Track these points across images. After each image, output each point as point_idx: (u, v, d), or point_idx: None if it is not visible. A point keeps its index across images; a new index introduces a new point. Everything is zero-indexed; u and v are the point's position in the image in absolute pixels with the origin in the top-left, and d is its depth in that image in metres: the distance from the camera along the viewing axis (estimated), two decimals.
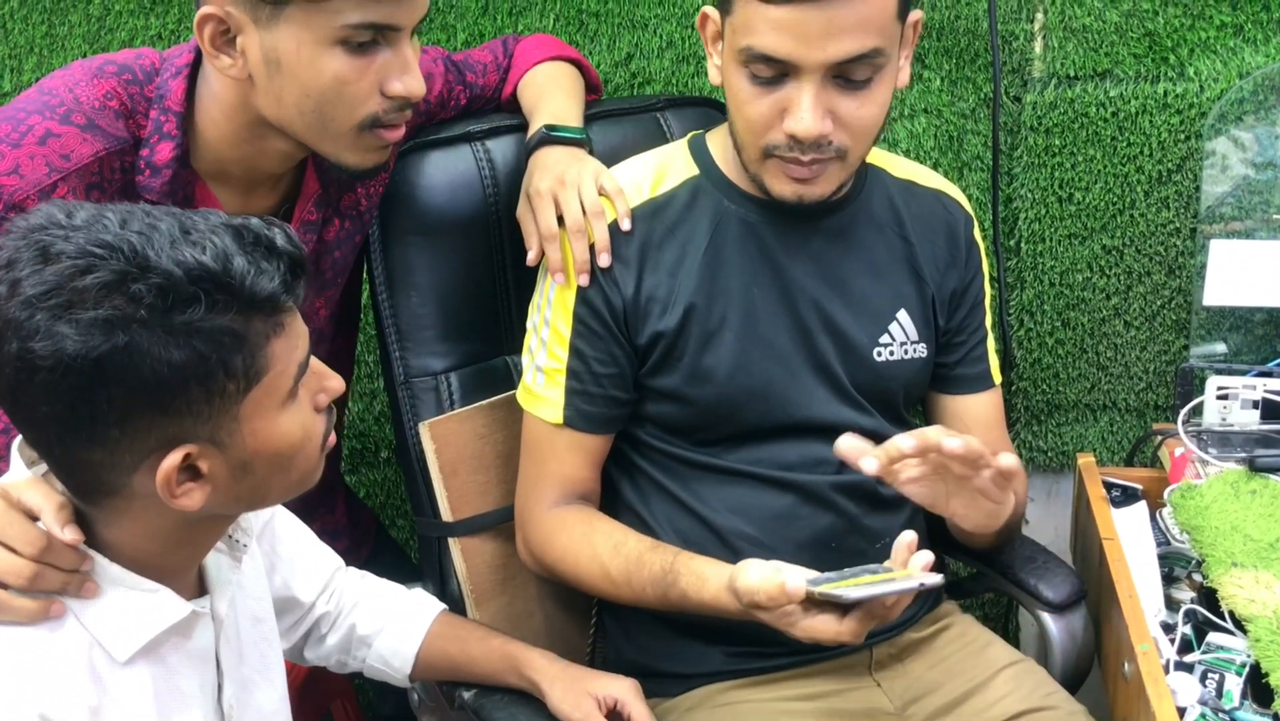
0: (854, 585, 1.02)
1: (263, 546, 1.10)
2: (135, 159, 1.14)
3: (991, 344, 1.36)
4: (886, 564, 1.09)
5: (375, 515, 1.70)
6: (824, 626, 1.04)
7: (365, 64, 1.10)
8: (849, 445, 1.08)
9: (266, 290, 0.84)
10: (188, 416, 0.83)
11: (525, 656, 1.20)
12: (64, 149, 1.10)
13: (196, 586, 0.98)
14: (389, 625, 1.21)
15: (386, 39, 1.11)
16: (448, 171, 1.36)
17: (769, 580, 1.05)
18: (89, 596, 0.88)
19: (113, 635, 0.88)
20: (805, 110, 1.10)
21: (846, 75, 1.10)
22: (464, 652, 1.21)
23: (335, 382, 0.95)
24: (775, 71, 1.11)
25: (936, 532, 1.38)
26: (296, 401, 0.90)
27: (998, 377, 1.36)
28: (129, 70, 1.15)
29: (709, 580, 1.13)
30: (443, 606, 1.25)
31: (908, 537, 1.07)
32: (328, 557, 1.21)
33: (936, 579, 1.03)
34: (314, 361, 0.94)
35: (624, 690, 1.18)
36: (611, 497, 1.31)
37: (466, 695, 1.20)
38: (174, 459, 0.84)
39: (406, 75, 1.13)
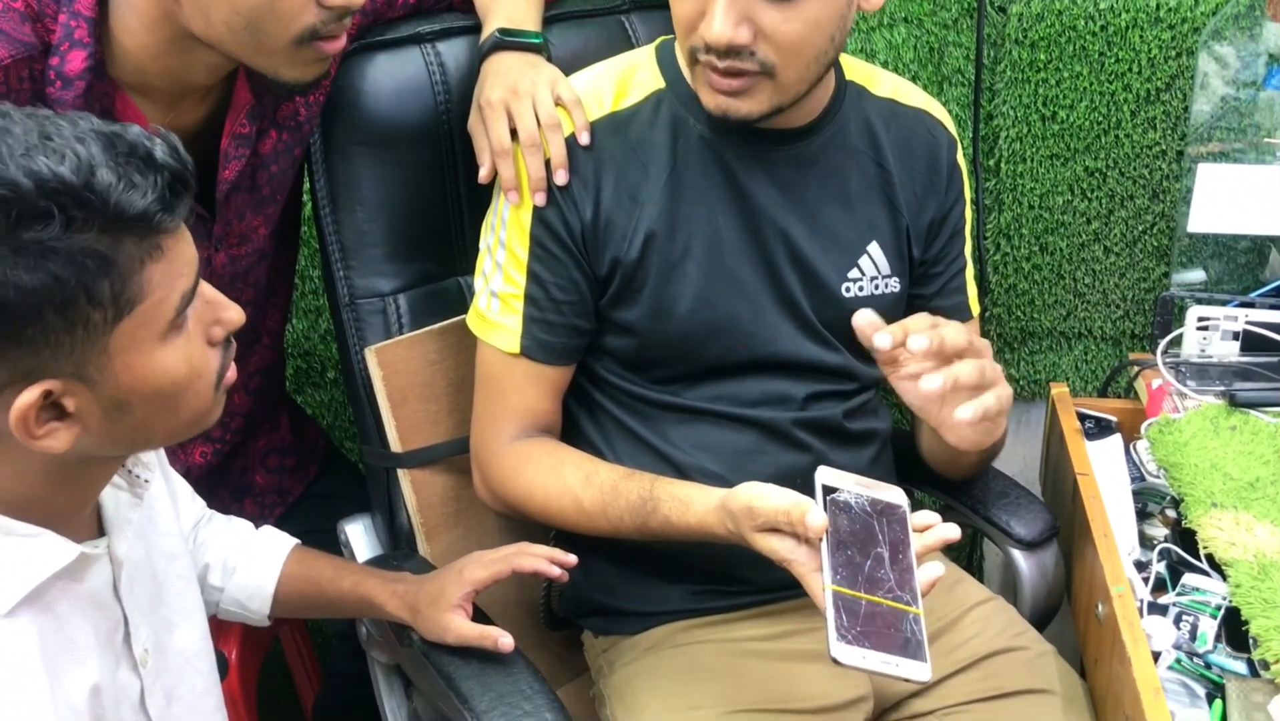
0: (872, 602, 0.93)
1: None
2: (45, 67, 1.05)
3: (971, 274, 1.31)
4: (916, 517, 1.00)
5: (325, 433, 1.64)
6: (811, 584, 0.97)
7: None
8: (867, 320, 1.04)
9: (137, 207, 0.75)
10: (45, 348, 0.76)
11: (379, 596, 1.15)
12: None
13: (95, 526, 0.92)
14: (241, 566, 1.16)
15: None
16: (395, 76, 1.27)
17: (786, 536, 0.98)
18: None
19: None
20: (717, 14, 1.04)
21: None
22: (320, 594, 1.17)
23: (232, 314, 0.88)
24: None
25: (904, 465, 1.34)
26: (182, 334, 0.83)
27: (976, 309, 1.32)
28: None
29: (693, 504, 1.09)
30: (295, 542, 1.19)
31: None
32: (196, 507, 1.16)
33: (928, 676, 0.92)
34: (208, 289, 0.86)
35: (478, 568, 1.13)
36: (572, 433, 1.25)
37: (416, 638, 1.15)
38: (29, 396, 0.76)
39: None
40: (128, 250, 0.77)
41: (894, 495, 1.01)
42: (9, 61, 1.03)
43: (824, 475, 1.00)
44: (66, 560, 0.85)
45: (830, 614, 0.91)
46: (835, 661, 0.89)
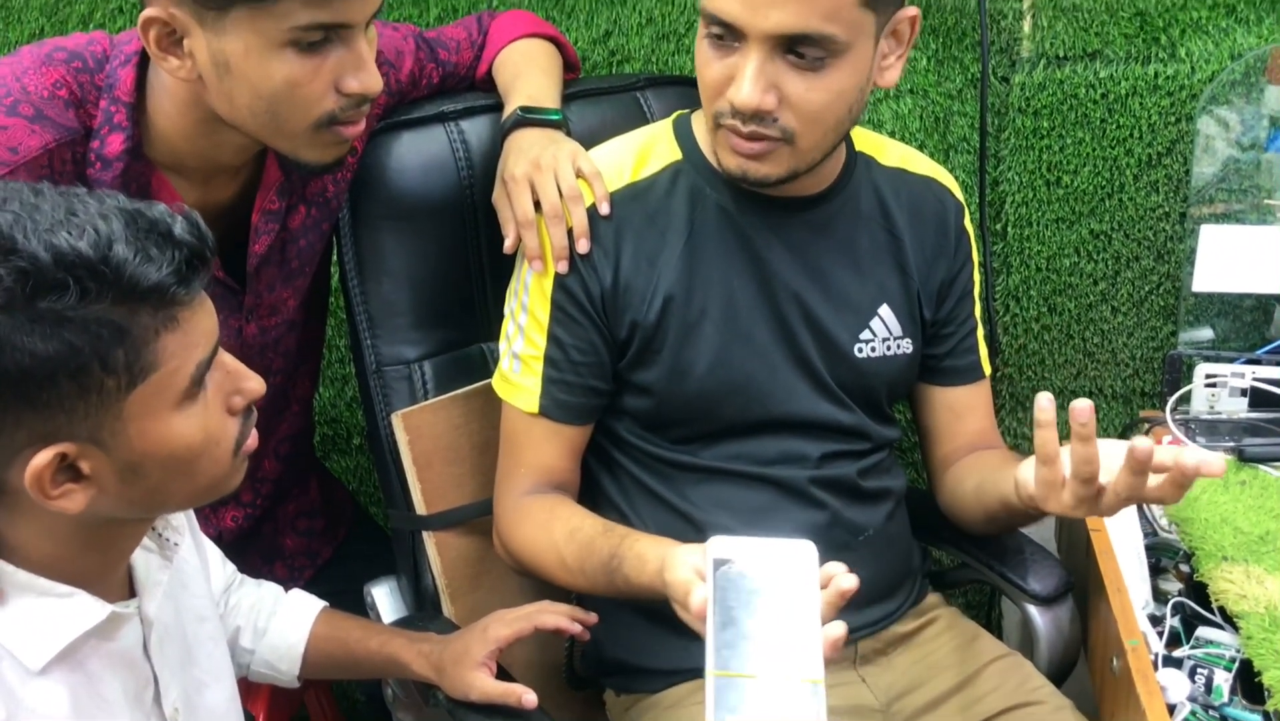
0: (758, 680, 0.85)
1: None
2: (86, 150, 1.10)
3: (981, 334, 1.34)
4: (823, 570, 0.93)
5: (353, 495, 1.66)
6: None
7: (318, 63, 1.06)
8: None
9: (151, 280, 0.78)
10: (60, 412, 0.78)
11: (405, 656, 1.17)
12: (11, 141, 1.06)
13: (126, 587, 0.94)
14: (271, 628, 1.18)
15: (339, 36, 1.06)
16: (420, 153, 1.32)
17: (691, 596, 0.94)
18: None
19: (23, 643, 0.84)
20: (746, 79, 1.07)
21: (798, 52, 1.07)
22: (348, 655, 1.19)
23: (253, 384, 0.89)
24: (729, 36, 1.08)
25: (921, 523, 1.36)
26: (198, 402, 0.85)
27: (988, 368, 1.34)
28: (79, 57, 1.11)
29: (647, 563, 1.07)
30: (322, 605, 1.21)
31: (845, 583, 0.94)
32: (227, 571, 1.18)
33: None
34: (230, 360, 0.89)
35: (502, 626, 1.15)
36: (594, 493, 1.28)
37: (441, 696, 1.16)
38: (43, 458, 0.79)
39: (362, 72, 1.08)
40: (143, 321, 0.79)
41: (797, 553, 0.91)
42: (54, 145, 1.08)
43: (715, 547, 0.91)
44: (98, 619, 0.87)
45: (710, 701, 0.83)
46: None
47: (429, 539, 1.31)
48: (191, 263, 0.80)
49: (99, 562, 0.89)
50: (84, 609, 0.87)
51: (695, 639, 1.22)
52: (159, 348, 0.80)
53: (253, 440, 0.91)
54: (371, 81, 1.09)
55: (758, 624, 0.87)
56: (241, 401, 0.89)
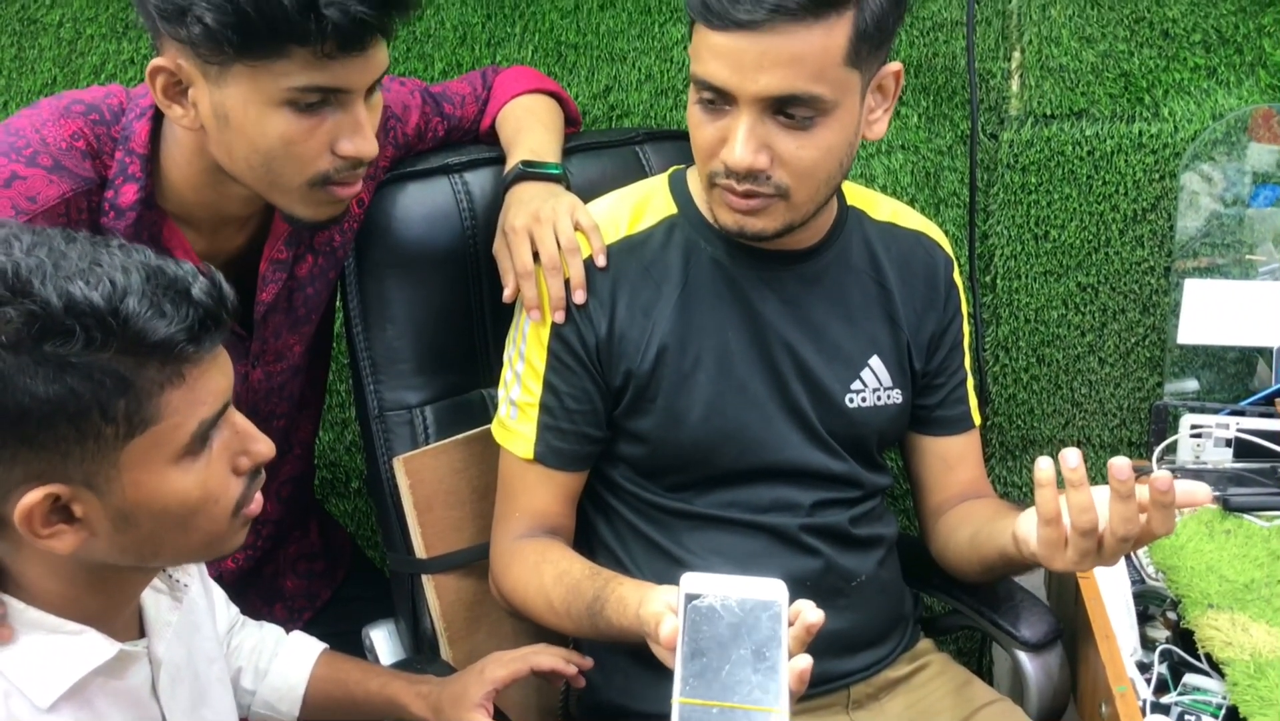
0: (725, 709, 0.87)
1: None
2: (101, 199, 1.13)
3: (971, 384, 1.36)
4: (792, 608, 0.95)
5: (351, 537, 1.68)
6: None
7: (314, 124, 1.08)
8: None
9: (160, 335, 0.79)
10: (56, 454, 0.80)
11: (404, 697, 1.18)
12: (30, 191, 1.08)
13: (136, 627, 0.95)
14: (273, 669, 1.19)
15: (337, 100, 1.08)
16: (425, 204, 1.35)
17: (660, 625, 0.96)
18: (3, 641, 0.85)
19: (33, 680, 0.85)
20: (738, 140, 1.10)
21: (787, 112, 1.09)
22: (347, 696, 1.20)
23: (262, 446, 0.90)
24: (719, 99, 1.11)
25: (913, 569, 1.38)
26: (200, 459, 0.85)
27: (978, 418, 1.36)
28: (96, 110, 1.14)
29: (628, 605, 1.07)
30: (323, 646, 1.23)
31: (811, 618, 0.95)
32: (231, 613, 1.19)
33: None
34: (241, 420, 0.89)
35: (498, 667, 1.16)
36: (590, 539, 1.29)
37: None
38: (34, 496, 0.80)
39: (357, 136, 1.10)
40: (149, 374, 0.80)
41: (768, 591, 0.94)
42: (70, 195, 1.11)
43: (688, 582, 0.94)
44: (106, 657, 0.88)
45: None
46: None
47: (428, 582, 1.33)
48: (205, 322, 0.82)
49: (105, 602, 0.91)
50: (93, 647, 0.88)
51: None
52: (162, 402, 0.81)
53: (255, 505, 0.92)
54: (366, 147, 1.11)
55: (725, 655, 0.90)
56: (248, 462, 0.90)
